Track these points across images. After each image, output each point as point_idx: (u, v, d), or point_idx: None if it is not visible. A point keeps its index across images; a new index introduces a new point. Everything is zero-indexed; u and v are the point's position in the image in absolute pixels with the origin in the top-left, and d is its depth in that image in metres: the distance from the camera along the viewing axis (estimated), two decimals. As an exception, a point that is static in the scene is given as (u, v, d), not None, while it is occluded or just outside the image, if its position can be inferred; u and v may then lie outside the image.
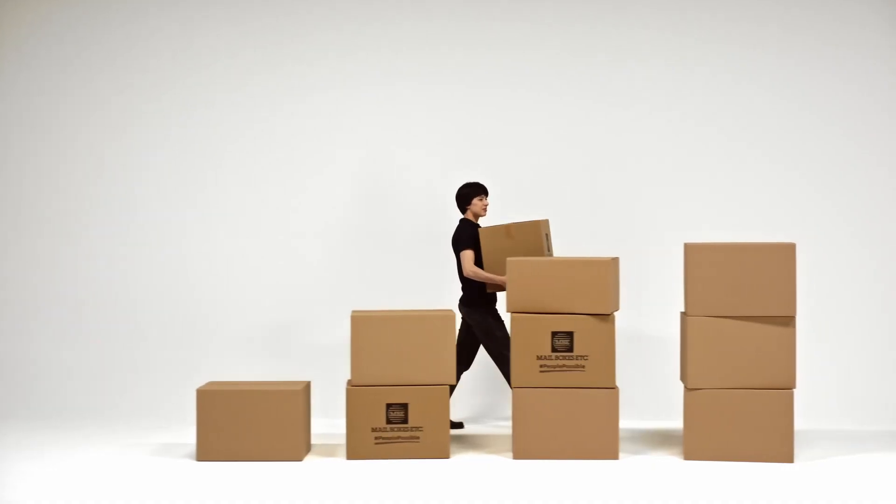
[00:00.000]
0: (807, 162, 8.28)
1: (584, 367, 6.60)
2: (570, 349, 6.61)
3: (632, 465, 6.49)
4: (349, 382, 6.72)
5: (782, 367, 6.50)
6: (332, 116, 8.43)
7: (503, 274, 7.02)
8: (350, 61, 8.44)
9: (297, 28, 8.47)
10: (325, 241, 8.42)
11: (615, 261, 6.83)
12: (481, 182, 7.56)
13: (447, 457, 6.62)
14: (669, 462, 6.56)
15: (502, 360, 7.22)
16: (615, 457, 6.58)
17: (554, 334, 6.63)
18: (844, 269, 8.18)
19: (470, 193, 7.47)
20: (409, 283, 8.25)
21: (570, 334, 6.62)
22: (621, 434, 6.92)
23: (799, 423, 6.93)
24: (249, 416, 6.60)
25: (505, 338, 7.23)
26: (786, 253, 6.54)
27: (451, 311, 6.87)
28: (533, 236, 7.12)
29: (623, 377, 7.24)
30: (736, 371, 6.53)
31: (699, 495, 5.74)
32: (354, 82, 8.43)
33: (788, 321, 6.52)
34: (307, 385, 6.92)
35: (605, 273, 6.65)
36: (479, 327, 7.34)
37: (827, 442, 7.07)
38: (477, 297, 7.36)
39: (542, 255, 7.07)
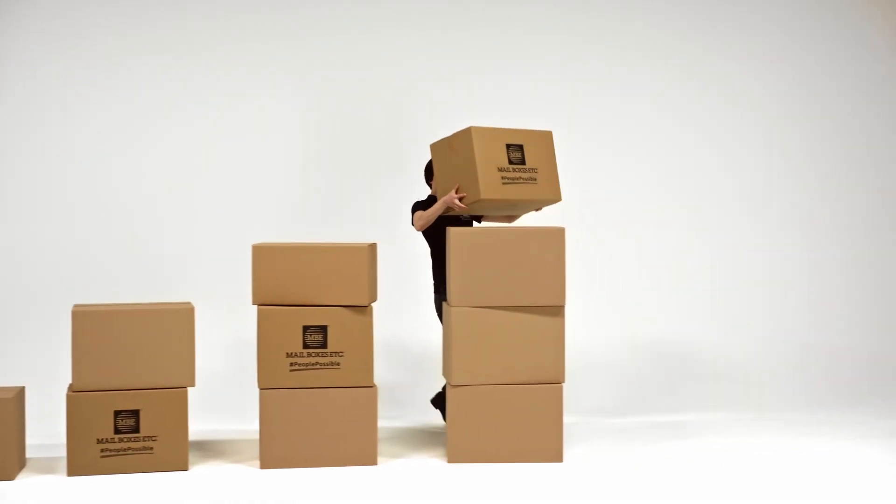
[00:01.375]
0: (577, 144, 8.03)
1: (339, 364, 6.06)
2: (324, 345, 6.05)
3: (391, 469, 6.03)
4: (70, 387, 5.94)
5: (551, 360, 6.13)
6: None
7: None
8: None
9: None
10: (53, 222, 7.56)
11: (373, 247, 6.29)
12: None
13: (186, 469, 5.98)
14: (432, 465, 6.13)
15: None
16: (373, 462, 6.09)
17: (305, 329, 6.04)
18: (614, 256, 8.00)
19: (427, 174, 6.85)
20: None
21: (323, 328, 6.05)
22: (380, 435, 6.54)
23: (567, 418, 6.72)
24: (-51, 430, 5.76)
25: None
26: (554, 238, 6.16)
27: (189, 303, 6.16)
28: (465, 148, 6.20)
29: (383, 374, 6.98)
30: (502, 365, 6.11)
31: (463, 501, 5.36)
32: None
33: (558, 311, 6.14)
34: (20, 391, 6.13)
35: (360, 260, 6.10)
36: (436, 311, 6.73)
37: (595, 437, 6.83)
38: (433, 278, 6.75)
39: (473, 169, 6.12)
